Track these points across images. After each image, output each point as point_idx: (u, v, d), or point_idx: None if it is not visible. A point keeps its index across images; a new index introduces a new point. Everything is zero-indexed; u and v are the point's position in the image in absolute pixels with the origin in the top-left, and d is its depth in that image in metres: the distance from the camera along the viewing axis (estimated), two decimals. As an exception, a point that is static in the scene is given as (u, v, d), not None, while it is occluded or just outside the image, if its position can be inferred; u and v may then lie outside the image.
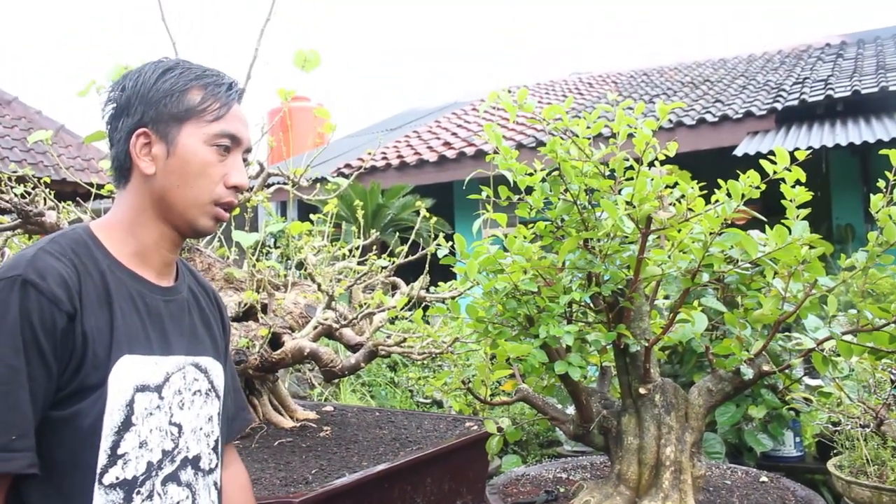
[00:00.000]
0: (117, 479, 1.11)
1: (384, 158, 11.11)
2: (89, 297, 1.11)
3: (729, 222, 1.78)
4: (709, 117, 8.79)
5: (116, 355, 1.11)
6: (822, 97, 8.54)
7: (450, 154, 10.29)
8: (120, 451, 1.11)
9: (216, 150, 1.21)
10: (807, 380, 3.53)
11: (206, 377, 1.29)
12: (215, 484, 1.31)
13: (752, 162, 1.81)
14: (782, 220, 1.80)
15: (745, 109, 8.68)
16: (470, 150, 10.12)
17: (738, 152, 7.59)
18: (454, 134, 11.80)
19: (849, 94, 8.36)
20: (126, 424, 1.11)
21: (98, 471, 1.09)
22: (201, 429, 1.26)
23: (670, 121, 8.91)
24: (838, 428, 3.12)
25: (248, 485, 1.51)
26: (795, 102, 8.66)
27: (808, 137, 7.82)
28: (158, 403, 1.17)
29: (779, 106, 8.61)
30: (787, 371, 2.35)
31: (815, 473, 3.76)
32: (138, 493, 1.13)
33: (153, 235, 1.23)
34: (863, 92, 8.26)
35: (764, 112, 8.53)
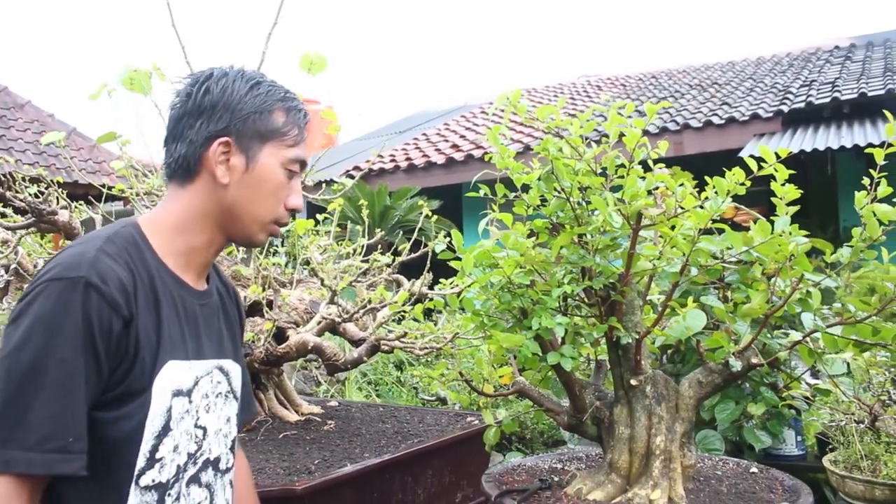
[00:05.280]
0: (153, 481, 1.12)
1: (392, 160, 11.18)
2: (141, 302, 1.12)
3: (731, 221, 1.83)
4: (715, 119, 8.83)
5: (162, 361, 1.13)
6: (828, 99, 8.57)
7: (458, 156, 10.35)
8: (158, 455, 1.12)
9: (287, 174, 1.24)
10: (808, 378, 3.55)
11: (226, 379, 1.31)
12: (231, 482, 1.33)
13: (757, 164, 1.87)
14: (770, 217, 1.85)
15: (752, 112, 8.71)
16: (478, 153, 10.17)
17: (744, 154, 7.63)
18: (462, 136, 11.86)
19: (855, 96, 8.38)
20: (165, 429, 1.13)
21: (135, 473, 1.10)
22: (221, 430, 1.28)
23: (676, 123, 8.94)
24: (833, 422, 3.16)
25: (248, 472, 1.54)
26: (802, 105, 8.69)
27: (814, 139, 7.85)
28: (188, 407, 1.18)
29: (785, 108, 8.64)
30: (783, 368, 2.40)
31: (818, 472, 3.79)
32: (169, 495, 1.15)
33: (203, 240, 1.24)
34: (869, 94, 8.28)
35: (770, 114, 8.56)
